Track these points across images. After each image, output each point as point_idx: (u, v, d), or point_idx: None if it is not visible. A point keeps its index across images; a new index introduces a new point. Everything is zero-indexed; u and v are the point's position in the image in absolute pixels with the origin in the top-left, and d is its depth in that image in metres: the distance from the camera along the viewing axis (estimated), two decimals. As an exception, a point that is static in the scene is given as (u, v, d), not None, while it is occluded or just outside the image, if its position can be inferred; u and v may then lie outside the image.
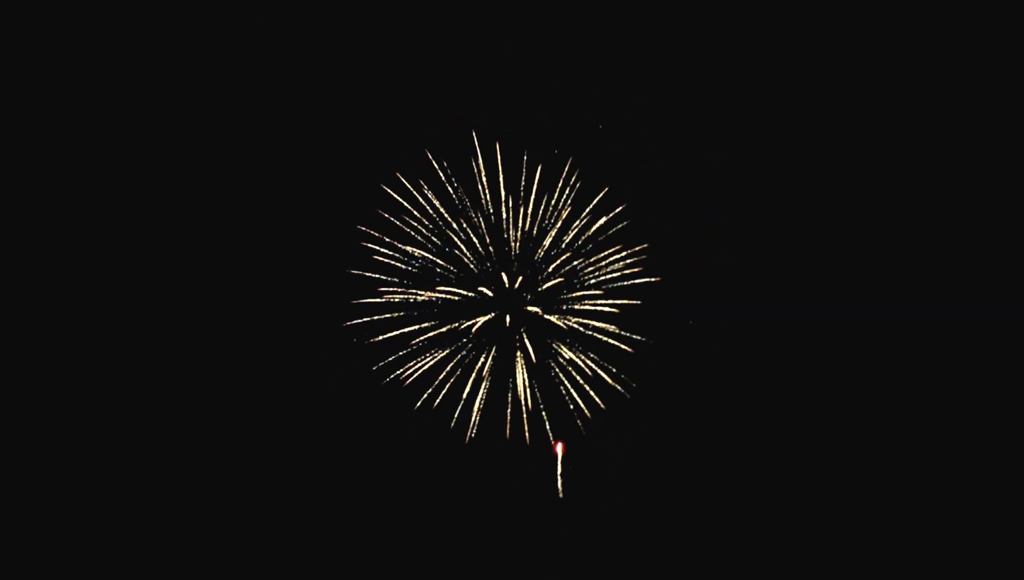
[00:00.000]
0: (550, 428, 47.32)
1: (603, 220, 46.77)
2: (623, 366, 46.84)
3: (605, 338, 46.92)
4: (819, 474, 45.76)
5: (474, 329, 46.89)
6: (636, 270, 46.42)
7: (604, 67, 48.16)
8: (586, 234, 46.82)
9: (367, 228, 46.41)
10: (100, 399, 46.04)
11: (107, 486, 45.48)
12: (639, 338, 46.81)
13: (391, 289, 46.65)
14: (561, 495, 46.31)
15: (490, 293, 47.15)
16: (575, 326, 47.12)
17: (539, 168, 45.87)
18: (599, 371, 46.99)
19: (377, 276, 46.47)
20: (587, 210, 46.64)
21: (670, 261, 46.55)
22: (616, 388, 46.93)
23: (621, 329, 46.64)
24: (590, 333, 47.03)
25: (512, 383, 47.12)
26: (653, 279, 46.64)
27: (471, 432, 47.01)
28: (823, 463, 45.78)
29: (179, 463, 46.04)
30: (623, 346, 46.89)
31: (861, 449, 45.26)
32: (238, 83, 47.36)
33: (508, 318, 47.13)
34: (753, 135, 47.48)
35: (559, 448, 46.12)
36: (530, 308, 47.28)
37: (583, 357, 47.22)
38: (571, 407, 47.22)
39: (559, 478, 46.26)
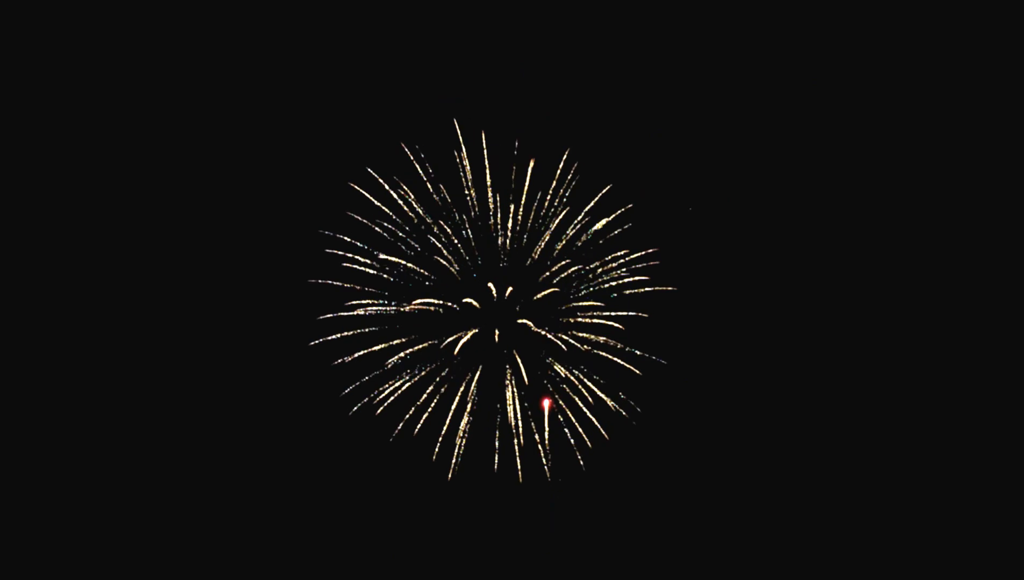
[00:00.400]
0: (546, 462, 44.09)
1: (605, 221, 44.42)
2: (629, 389, 44.20)
3: (608, 356, 44.29)
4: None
5: (457, 346, 44.06)
6: (644, 278, 44.17)
7: (604, 43, 45.24)
8: (585, 236, 44.54)
9: (332, 232, 43.62)
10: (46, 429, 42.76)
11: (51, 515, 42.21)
12: (648, 356, 44.12)
13: (361, 301, 43.81)
14: (548, 462, 43.54)
15: (476, 304, 44.32)
16: (573, 342, 44.39)
17: (532, 162, 43.60)
18: (601, 395, 44.23)
19: (345, 285, 43.73)
20: (587, 209, 44.32)
21: (684, 267, 44.33)
22: (621, 414, 44.15)
23: (627, 346, 44.12)
24: (591, 350, 44.47)
25: (501, 409, 44.24)
26: (664, 288, 44.16)
27: (454, 467, 43.83)
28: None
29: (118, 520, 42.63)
30: (629, 366, 44.16)
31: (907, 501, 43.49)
32: (178, 64, 44.07)
33: (496, 333, 44.37)
34: (781, 122, 45.35)
35: (546, 404, 43.80)
36: (521, 321, 44.48)
37: (583, 378, 44.40)
38: (569, 436, 44.15)
39: (546, 440, 43.69)
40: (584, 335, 44.20)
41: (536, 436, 43.78)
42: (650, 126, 45.17)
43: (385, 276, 43.84)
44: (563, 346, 44.02)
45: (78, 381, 42.61)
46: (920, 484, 42.95)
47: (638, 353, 43.93)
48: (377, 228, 43.50)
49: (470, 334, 44.06)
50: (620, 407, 43.93)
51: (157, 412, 43.08)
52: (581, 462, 43.78)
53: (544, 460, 43.50)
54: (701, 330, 44.58)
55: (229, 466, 43.32)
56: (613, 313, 44.10)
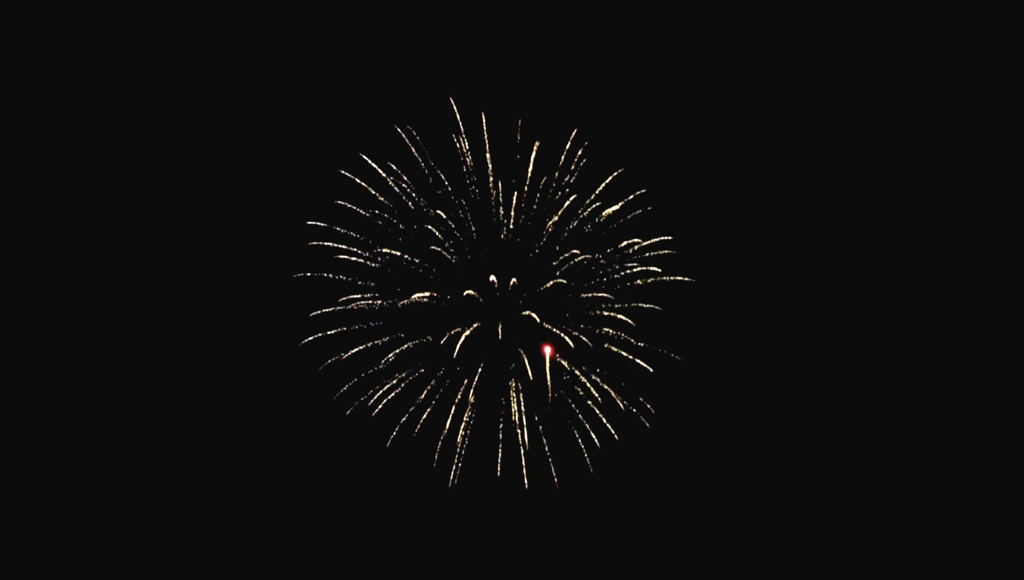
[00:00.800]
0: (552, 461, 42.87)
1: (616, 207, 43.09)
2: (641, 387, 43.00)
3: (619, 351, 43.09)
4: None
5: (458, 342, 42.63)
6: (657, 269, 43.05)
7: (610, 20, 44.36)
8: (590, 225, 43.31)
9: (322, 222, 42.34)
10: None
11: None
12: (662, 352, 42.93)
13: (354, 296, 42.58)
14: (550, 406, 42.79)
15: (477, 297, 42.95)
16: (581, 337, 42.96)
17: (536, 144, 42.27)
18: (612, 393, 42.96)
19: (339, 276, 42.52)
20: (595, 194, 42.95)
21: (701, 256, 43.26)
22: (632, 414, 42.91)
23: (639, 341, 42.97)
24: (600, 345, 43.24)
25: (505, 409, 42.96)
26: (680, 279, 42.97)
27: (455, 470, 42.56)
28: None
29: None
30: (641, 362, 42.87)
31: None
32: (158, 48, 43.04)
33: (499, 328, 43.02)
34: (808, 100, 44.41)
35: (547, 351, 42.93)
36: (526, 314, 43.05)
37: (592, 376, 43.09)
38: (578, 438, 42.85)
39: (548, 387, 42.67)
40: (593, 329, 43.08)
41: (540, 427, 42.77)
42: (661, 107, 44.22)
43: (382, 268, 42.71)
44: (570, 341, 42.76)
45: (57, 381, 41.64)
46: (948, 481, 42.12)
47: (650, 348, 42.79)
48: (371, 218, 42.40)
49: (471, 329, 42.76)
50: (632, 406, 42.80)
51: (137, 419, 41.94)
52: (589, 464, 42.62)
53: (548, 400, 42.56)
54: (719, 324, 43.81)
55: (218, 475, 42.22)
56: (624, 305, 43.01)
